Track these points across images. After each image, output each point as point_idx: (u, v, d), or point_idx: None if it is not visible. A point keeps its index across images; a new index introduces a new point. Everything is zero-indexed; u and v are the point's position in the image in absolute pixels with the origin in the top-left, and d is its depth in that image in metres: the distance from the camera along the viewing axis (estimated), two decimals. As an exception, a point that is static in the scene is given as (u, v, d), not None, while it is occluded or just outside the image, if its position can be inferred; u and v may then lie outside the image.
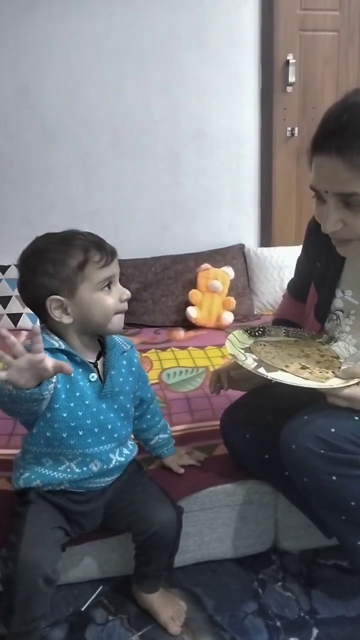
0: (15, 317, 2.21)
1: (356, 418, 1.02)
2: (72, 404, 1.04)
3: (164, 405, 1.62)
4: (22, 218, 2.46)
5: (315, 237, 1.20)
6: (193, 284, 2.43)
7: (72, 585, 1.31)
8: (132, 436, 1.24)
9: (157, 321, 2.43)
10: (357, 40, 2.54)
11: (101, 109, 2.43)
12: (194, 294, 2.38)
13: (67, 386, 1.03)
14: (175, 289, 2.45)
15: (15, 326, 2.18)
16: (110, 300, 1.03)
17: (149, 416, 1.25)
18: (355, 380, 1.01)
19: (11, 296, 2.22)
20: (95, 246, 1.01)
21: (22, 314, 2.21)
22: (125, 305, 1.06)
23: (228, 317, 2.35)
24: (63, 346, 1.03)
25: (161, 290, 2.45)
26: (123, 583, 1.32)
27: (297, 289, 1.34)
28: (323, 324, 1.22)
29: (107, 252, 1.02)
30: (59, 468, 1.08)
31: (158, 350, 2.10)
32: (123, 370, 1.12)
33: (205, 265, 2.43)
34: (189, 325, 2.38)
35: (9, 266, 2.28)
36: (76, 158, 2.48)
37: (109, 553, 1.28)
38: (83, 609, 1.26)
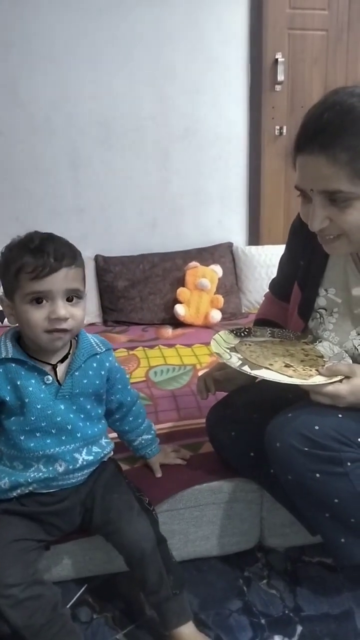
0: (1, 314, 2.20)
1: (339, 416, 1.02)
2: (24, 410, 1.03)
3: (151, 403, 1.62)
4: (10, 215, 2.45)
5: (299, 236, 1.21)
6: (181, 282, 2.43)
7: (57, 584, 1.29)
8: (113, 434, 1.23)
9: (145, 319, 2.42)
10: (346, 39, 2.56)
11: (90, 106, 2.43)
12: (182, 292, 2.38)
13: (16, 394, 1.03)
14: (164, 287, 2.45)
15: (2, 322, 2.17)
16: (37, 315, 0.98)
17: (131, 418, 1.24)
18: (338, 378, 1.01)
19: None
20: (32, 255, 0.96)
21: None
22: (55, 326, 0.98)
23: (216, 315, 2.35)
24: (10, 354, 1.02)
25: (149, 288, 2.44)
26: (107, 582, 1.32)
27: (280, 288, 1.34)
28: (307, 322, 1.22)
29: (44, 264, 0.95)
30: (30, 469, 1.08)
31: (145, 348, 2.09)
32: (90, 372, 1.10)
33: (194, 263, 2.43)
34: (176, 323, 2.38)
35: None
36: (65, 155, 2.47)
37: (93, 551, 1.27)
38: (67, 607, 1.25)
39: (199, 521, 1.33)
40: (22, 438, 1.05)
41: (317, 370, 1.06)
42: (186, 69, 2.46)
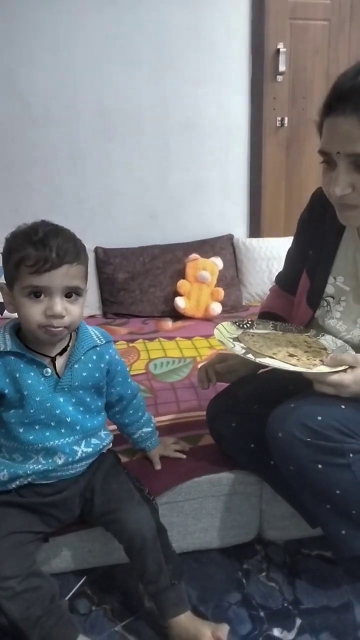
0: (1, 306, 2.18)
1: (342, 406, 1.01)
2: (23, 402, 1.03)
3: (151, 396, 1.61)
4: (10, 206, 2.43)
5: (307, 227, 1.20)
6: (181, 274, 2.42)
7: (55, 576, 1.28)
8: (112, 426, 1.23)
9: (145, 311, 2.41)
10: (348, 29, 2.53)
11: (90, 96, 2.40)
12: (182, 285, 2.37)
13: (15, 387, 1.02)
14: (164, 279, 2.44)
15: (1, 314, 2.15)
16: (34, 310, 0.96)
17: (131, 411, 1.23)
18: (343, 367, 1.00)
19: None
20: (35, 248, 0.94)
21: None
22: (51, 322, 0.97)
23: (216, 308, 2.34)
24: (9, 347, 1.01)
25: (149, 280, 2.43)
26: (106, 573, 1.31)
27: (286, 280, 1.33)
28: (315, 311, 1.21)
29: (46, 259, 0.93)
30: (29, 461, 1.07)
31: (146, 341, 2.08)
32: (90, 365, 1.09)
33: (194, 256, 2.42)
34: (177, 315, 2.37)
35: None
36: (65, 146, 2.45)
37: (92, 543, 1.27)
38: (66, 599, 1.24)
39: (198, 513, 1.32)
40: (21, 430, 1.05)
41: (320, 360, 1.05)
42: (187, 59, 2.44)
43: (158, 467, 1.28)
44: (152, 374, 1.79)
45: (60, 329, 0.99)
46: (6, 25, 2.25)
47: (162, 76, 2.44)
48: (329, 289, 1.18)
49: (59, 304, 0.97)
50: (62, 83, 2.36)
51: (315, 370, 1.01)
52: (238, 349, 1.07)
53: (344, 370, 1.00)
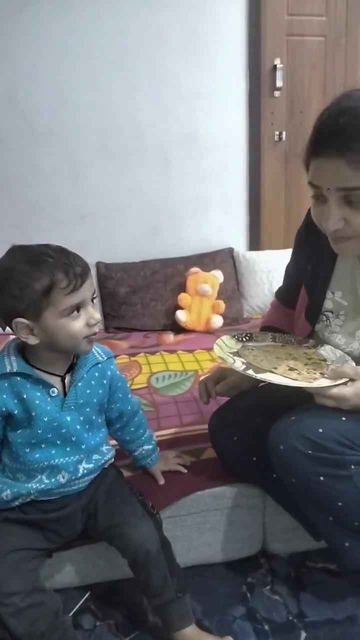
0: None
1: (343, 418, 1.01)
2: (31, 423, 1.03)
3: (153, 410, 1.61)
4: (12, 222, 2.46)
5: (305, 242, 1.21)
6: (182, 288, 2.43)
7: (59, 592, 1.28)
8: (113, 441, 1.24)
9: (147, 325, 2.42)
10: (344, 45, 2.57)
11: (90, 112, 2.44)
12: (183, 298, 2.38)
13: (23, 408, 1.02)
14: (165, 293, 2.45)
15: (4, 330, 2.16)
16: (77, 325, 0.98)
17: (132, 429, 1.23)
18: (343, 380, 1.01)
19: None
20: (63, 270, 0.94)
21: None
22: (93, 330, 1.00)
23: (217, 321, 2.34)
24: (15, 369, 1.01)
25: (150, 294, 2.44)
26: (110, 589, 1.31)
27: (286, 295, 1.34)
28: (314, 326, 1.22)
29: (76, 276, 0.95)
30: (32, 480, 1.07)
31: (147, 354, 2.09)
32: (93, 382, 1.09)
33: (195, 269, 2.43)
34: (178, 329, 2.38)
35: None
36: (65, 162, 2.48)
37: (95, 559, 1.27)
38: (70, 615, 1.24)
39: (202, 527, 1.32)
40: (28, 450, 1.05)
41: (321, 373, 1.05)
42: (185, 75, 2.47)
43: (161, 482, 1.28)
44: (154, 387, 1.79)
45: (96, 334, 1.02)
46: (7, 45, 2.29)
47: (160, 93, 2.47)
48: (328, 304, 1.18)
49: (96, 311, 1.01)
50: (63, 101, 2.40)
51: (315, 384, 1.01)
52: (238, 364, 1.08)
53: (345, 383, 1.01)
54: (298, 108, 2.60)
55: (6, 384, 1.01)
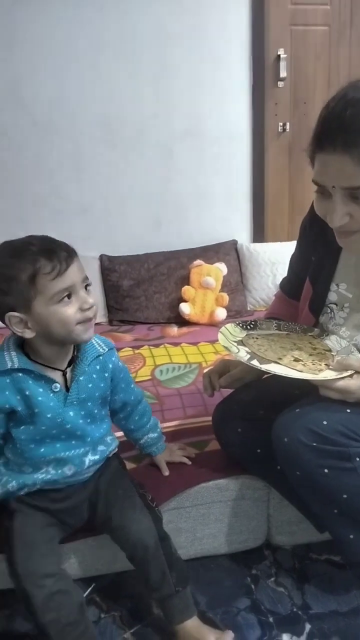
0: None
1: (348, 410, 1.01)
2: (34, 419, 1.02)
3: (157, 402, 1.61)
4: (14, 214, 2.45)
5: (310, 234, 1.20)
6: (186, 281, 2.42)
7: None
8: (119, 432, 1.23)
9: (150, 318, 2.42)
10: (348, 34, 2.54)
11: (93, 105, 2.43)
12: (187, 291, 2.37)
13: (26, 404, 1.01)
14: (168, 286, 2.44)
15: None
16: (69, 311, 0.97)
17: (136, 417, 1.23)
18: (349, 372, 1.00)
19: None
20: (45, 256, 0.94)
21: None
22: (88, 314, 0.99)
23: (221, 314, 2.34)
24: (17, 365, 1.00)
25: (154, 287, 2.44)
26: (115, 581, 1.31)
27: (290, 286, 1.34)
28: (318, 318, 1.21)
29: (60, 260, 0.94)
30: (38, 472, 1.07)
31: (151, 347, 2.09)
32: (94, 376, 1.09)
33: (198, 262, 2.43)
34: (182, 321, 2.38)
35: None
36: (68, 155, 2.47)
37: (100, 550, 1.27)
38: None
39: (206, 519, 1.32)
40: (33, 446, 1.04)
41: (326, 364, 1.05)
42: (188, 66, 2.45)
43: (166, 473, 1.28)
44: (158, 380, 1.79)
45: (91, 319, 1.00)
46: (9, 37, 2.28)
47: (164, 85, 2.46)
48: (332, 296, 1.18)
49: (88, 295, 0.99)
50: (65, 93, 2.39)
51: (321, 376, 1.01)
52: (243, 354, 1.07)
53: (350, 376, 1.00)
54: (302, 99, 2.58)
55: (8, 380, 1.00)
